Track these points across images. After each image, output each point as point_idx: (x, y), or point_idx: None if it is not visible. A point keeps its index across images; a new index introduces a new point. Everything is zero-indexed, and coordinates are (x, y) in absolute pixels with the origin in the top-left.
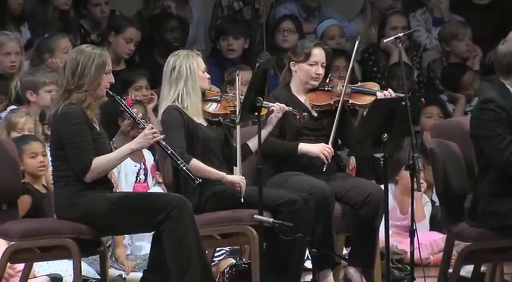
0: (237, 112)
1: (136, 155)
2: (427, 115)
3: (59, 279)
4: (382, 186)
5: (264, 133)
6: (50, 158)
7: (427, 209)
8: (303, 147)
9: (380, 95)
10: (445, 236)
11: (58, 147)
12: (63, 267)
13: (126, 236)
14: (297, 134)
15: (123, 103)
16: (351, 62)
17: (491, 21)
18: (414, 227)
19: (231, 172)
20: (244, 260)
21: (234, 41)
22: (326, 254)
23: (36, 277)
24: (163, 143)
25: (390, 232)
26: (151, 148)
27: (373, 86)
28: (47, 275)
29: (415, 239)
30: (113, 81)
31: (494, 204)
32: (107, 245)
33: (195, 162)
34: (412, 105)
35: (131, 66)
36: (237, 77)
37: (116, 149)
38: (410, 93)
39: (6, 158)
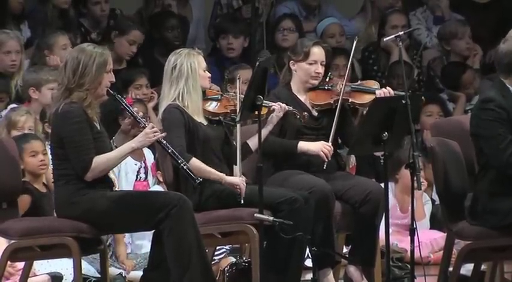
0: (237, 111)
1: (136, 153)
2: (427, 114)
3: (59, 277)
4: (382, 185)
5: (265, 132)
6: (50, 157)
7: (427, 208)
8: (303, 145)
9: (379, 92)
10: (445, 234)
11: (58, 145)
12: (64, 265)
13: (126, 234)
14: (297, 133)
15: (123, 102)
16: (349, 62)
17: (491, 20)
18: (414, 226)
19: (231, 170)
20: (244, 258)
21: (233, 39)
22: (326, 252)
23: (37, 276)
24: (164, 141)
25: (390, 231)
26: (151, 146)
27: (373, 84)
28: (47, 274)
29: (415, 237)
30: (114, 80)
31: (495, 203)
32: (107, 243)
33: (195, 162)
34: (412, 104)
35: (133, 65)
36: (237, 80)
37: (116, 147)
38: (411, 92)
39: (6, 156)
